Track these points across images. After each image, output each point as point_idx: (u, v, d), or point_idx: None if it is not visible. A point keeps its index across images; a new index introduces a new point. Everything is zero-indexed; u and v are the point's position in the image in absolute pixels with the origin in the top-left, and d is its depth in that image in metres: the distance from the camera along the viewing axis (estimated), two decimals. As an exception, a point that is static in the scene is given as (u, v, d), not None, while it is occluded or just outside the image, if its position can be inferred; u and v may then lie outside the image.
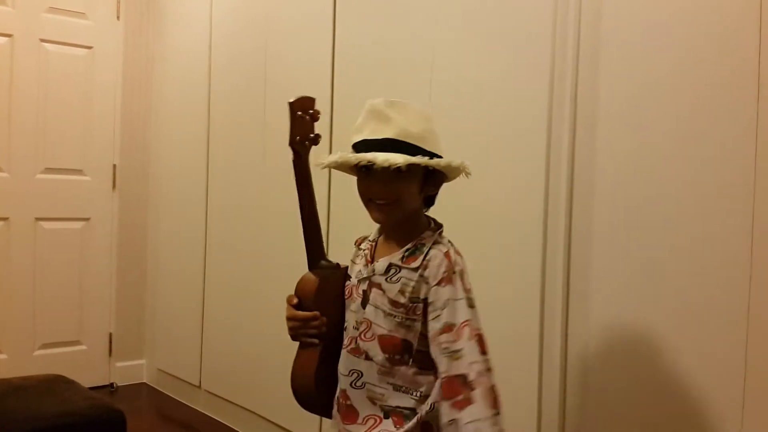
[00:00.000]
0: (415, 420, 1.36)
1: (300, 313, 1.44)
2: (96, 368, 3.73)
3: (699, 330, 1.60)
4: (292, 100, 1.45)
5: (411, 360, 1.37)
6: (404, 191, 1.37)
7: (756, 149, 1.51)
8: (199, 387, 3.46)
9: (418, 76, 2.27)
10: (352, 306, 1.45)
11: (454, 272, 1.34)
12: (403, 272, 1.37)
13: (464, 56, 2.15)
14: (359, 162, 1.33)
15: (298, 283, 1.48)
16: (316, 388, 1.45)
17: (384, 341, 1.38)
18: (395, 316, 1.37)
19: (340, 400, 1.45)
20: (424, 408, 1.36)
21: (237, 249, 3.20)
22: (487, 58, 2.08)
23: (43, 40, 3.53)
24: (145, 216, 3.91)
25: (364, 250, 1.49)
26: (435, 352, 1.32)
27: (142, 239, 3.91)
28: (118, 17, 3.76)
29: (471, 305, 1.34)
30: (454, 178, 1.43)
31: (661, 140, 1.68)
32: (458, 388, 1.27)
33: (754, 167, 1.51)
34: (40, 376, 2.45)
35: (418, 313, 1.36)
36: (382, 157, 1.30)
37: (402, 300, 1.36)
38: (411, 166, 1.32)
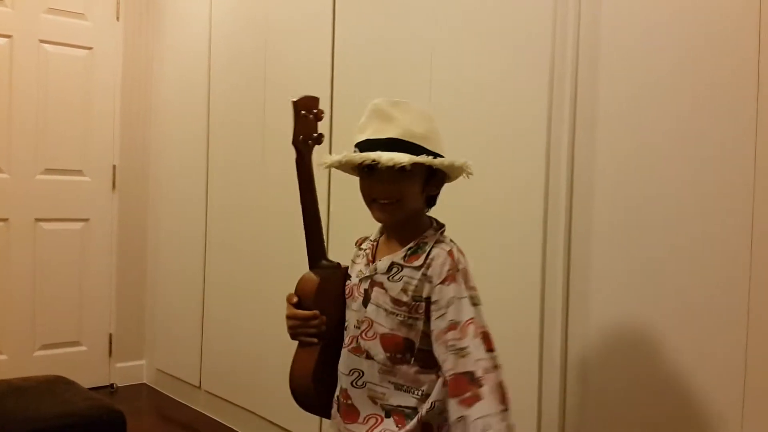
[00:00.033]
0: (415, 420, 1.36)
1: (300, 312, 1.44)
2: (96, 369, 3.73)
3: (699, 329, 1.60)
4: (295, 99, 1.45)
5: (413, 359, 1.37)
6: (407, 191, 1.37)
7: (755, 149, 1.51)
8: (199, 387, 3.46)
9: (418, 76, 2.27)
10: (354, 305, 1.45)
11: (458, 270, 1.35)
12: (406, 271, 1.38)
13: (464, 56, 2.15)
14: (364, 161, 1.33)
15: (299, 282, 1.47)
16: (314, 388, 1.44)
17: (386, 340, 1.38)
18: (397, 315, 1.37)
19: (341, 400, 1.45)
20: (425, 407, 1.36)
21: (237, 249, 3.20)
22: (486, 59, 2.08)
23: (42, 41, 3.53)
24: (144, 216, 3.91)
25: (365, 249, 1.49)
26: (440, 350, 1.32)
27: (141, 240, 3.91)
28: (117, 18, 3.76)
29: (475, 303, 1.34)
30: (455, 178, 1.44)
31: (660, 140, 1.68)
32: (465, 385, 1.27)
33: (753, 167, 1.51)
34: (40, 376, 2.45)
35: (421, 311, 1.36)
36: (386, 157, 1.31)
37: (404, 298, 1.36)
38: (414, 166, 1.33)
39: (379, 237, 1.49)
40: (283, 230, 2.86)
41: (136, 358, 3.90)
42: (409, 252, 1.39)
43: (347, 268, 1.53)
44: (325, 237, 1.55)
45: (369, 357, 1.40)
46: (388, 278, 1.39)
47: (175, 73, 3.69)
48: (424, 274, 1.36)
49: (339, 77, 2.62)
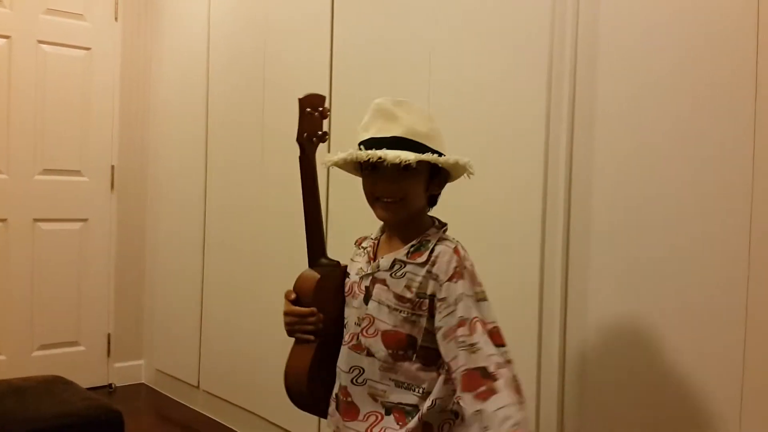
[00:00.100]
0: (417, 418, 1.36)
1: (297, 308, 1.44)
2: (94, 369, 3.73)
3: (697, 328, 1.60)
4: (301, 97, 1.45)
5: (414, 356, 1.38)
6: (411, 189, 1.38)
7: (754, 149, 1.51)
8: (198, 387, 3.46)
9: (417, 76, 2.27)
10: (354, 302, 1.45)
11: (464, 268, 1.35)
12: (409, 267, 1.38)
13: (463, 56, 2.15)
14: (370, 158, 1.33)
15: (298, 280, 1.47)
16: (307, 385, 1.44)
17: (388, 337, 1.38)
18: (401, 311, 1.37)
19: (340, 397, 1.45)
20: (426, 404, 1.36)
21: (235, 249, 3.20)
22: (485, 59, 2.08)
23: (41, 42, 3.53)
24: (143, 217, 3.91)
25: (366, 248, 1.49)
26: (449, 346, 1.32)
27: (140, 240, 3.91)
28: (116, 18, 3.77)
29: (483, 299, 1.35)
30: (457, 177, 1.44)
31: (659, 140, 1.69)
32: (479, 380, 1.27)
33: (752, 167, 1.51)
34: (39, 377, 2.45)
35: (424, 308, 1.36)
36: (392, 154, 1.31)
37: (408, 295, 1.36)
38: (418, 164, 1.33)
39: (380, 235, 1.49)
40: (282, 230, 2.86)
41: (135, 358, 3.90)
42: (412, 249, 1.39)
43: (347, 266, 1.53)
44: (324, 236, 1.55)
45: (370, 354, 1.40)
46: (390, 275, 1.39)
47: (173, 73, 3.69)
48: (428, 271, 1.36)
49: (338, 77, 2.63)
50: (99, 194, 3.75)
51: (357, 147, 1.39)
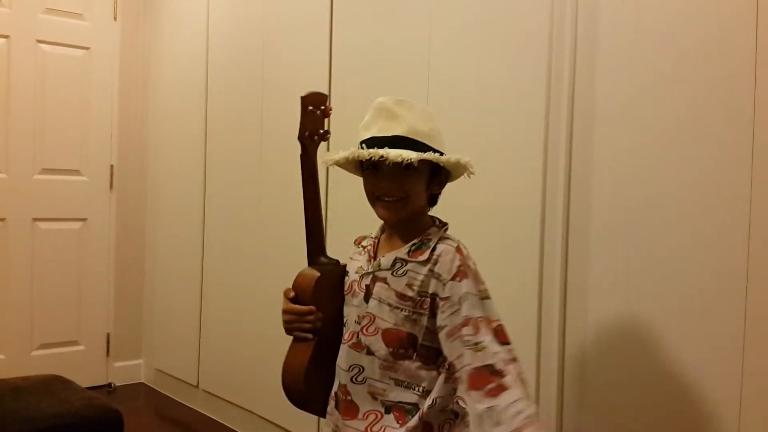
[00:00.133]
0: (417, 416, 1.36)
1: (296, 306, 1.44)
2: (94, 368, 3.73)
3: (696, 328, 1.60)
4: (304, 95, 1.45)
5: (415, 354, 1.37)
6: (412, 188, 1.38)
7: (753, 148, 1.51)
8: (197, 387, 3.46)
9: (416, 76, 2.27)
10: (354, 301, 1.45)
11: (468, 267, 1.36)
12: (410, 266, 1.38)
13: (462, 56, 2.15)
14: (372, 157, 1.33)
15: (297, 278, 1.47)
16: (305, 383, 1.43)
17: (389, 335, 1.38)
18: (402, 310, 1.37)
19: (340, 396, 1.45)
20: (427, 403, 1.36)
21: (235, 249, 3.20)
22: (484, 58, 2.08)
23: (39, 41, 3.53)
24: (142, 216, 3.91)
25: (366, 246, 1.49)
26: (454, 345, 1.32)
27: (139, 239, 3.91)
28: (115, 18, 3.76)
29: (487, 297, 1.35)
30: (458, 177, 1.44)
31: (658, 139, 1.69)
32: (487, 377, 1.27)
33: (751, 166, 1.52)
34: (38, 376, 2.45)
35: (425, 307, 1.36)
36: (394, 153, 1.31)
37: (410, 293, 1.36)
38: (420, 164, 1.33)
39: (381, 234, 1.49)
40: (281, 229, 2.86)
41: (134, 358, 3.90)
42: (413, 248, 1.39)
43: (346, 265, 1.52)
44: (324, 235, 1.55)
45: (370, 353, 1.40)
46: (392, 273, 1.39)
47: (172, 72, 3.69)
48: (431, 270, 1.36)
49: (337, 77, 2.62)
50: (98, 194, 3.75)
51: (358, 146, 1.39)
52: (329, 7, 2.65)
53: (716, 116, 1.58)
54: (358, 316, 1.43)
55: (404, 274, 1.38)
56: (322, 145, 1.50)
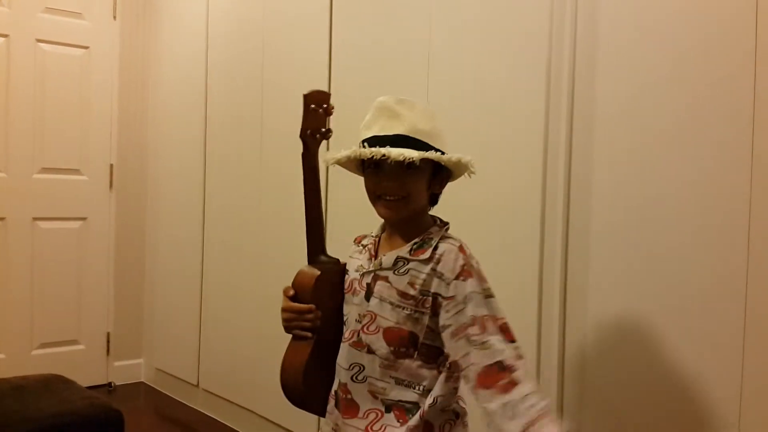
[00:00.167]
0: (418, 415, 1.36)
1: (295, 305, 1.44)
2: (94, 368, 3.73)
3: (696, 327, 1.61)
4: (306, 92, 1.44)
5: (416, 353, 1.37)
6: (414, 187, 1.38)
7: (753, 147, 1.52)
8: (197, 386, 3.46)
9: (416, 76, 2.27)
10: (355, 299, 1.44)
11: (472, 266, 1.36)
12: (412, 264, 1.38)
13: (461, 56, 2.15)
14: (374, 156, 1.33)
15: (297, 276, 1.47)
16: (304, 382, 1.43)
17: (390, 334, 1.38)
18: (404, 308, 1.37)
19: (340, 394, 1.44)
20: (427, 402, 1.36)
21: (235, 248, 3.20)
22: (484, 58, 2.08)
23: (39, 41, 3.53)
24: (142, 215, 3.91)
25: (366, 245, 1.49)
26: (459, 344, 1.31)
27: (139, 239, 3.91)
28: (114, 17, 3.76)
29: (491, 295, 1.35)
30: (459, 176, 1.44)
31: (658, 139, 1.69)
32: (498, 374, 1.26)
33: (750, 165, 1.52)
34: (38, 375, 2.45)
35: (427, 306, 1.36)
36: (396, 152, 1.31)
37: (412, 292, 1.36)
38: (421, 163, 1.33)
39: (381, 233, 1.49)
40: (281, 229, 2.86)
41: (134, 357, 3.90)
42: (414, 246, 1.39)
43: (346, 264, 1.52)
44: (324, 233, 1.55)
45: (370, 351, 1.39)
46: (393, 272, 1.39)
47: (172, 72, 3.69)
48: (433, 269, 1.36)
49: (336, 77, 2.63)
50: (98, 193, 3.75)
51: (360, 145, 1.39)
52: (329, 7, 2.65)
53: (716, 116, 1.58)
54: (359, 315, 1.43)
55: (406, 272, 1.38)
56: (322, 144, 1.50)
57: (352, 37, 2.57)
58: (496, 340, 1.29)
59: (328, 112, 1.46)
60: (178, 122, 3.62)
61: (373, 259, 1.44)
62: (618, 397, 1.76)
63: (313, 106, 1.44)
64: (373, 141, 1.36)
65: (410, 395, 1.38)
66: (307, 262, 1.49)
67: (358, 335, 1.42)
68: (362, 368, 1.41)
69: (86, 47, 3.67)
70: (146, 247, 3.91)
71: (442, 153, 1.37)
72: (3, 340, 3.46)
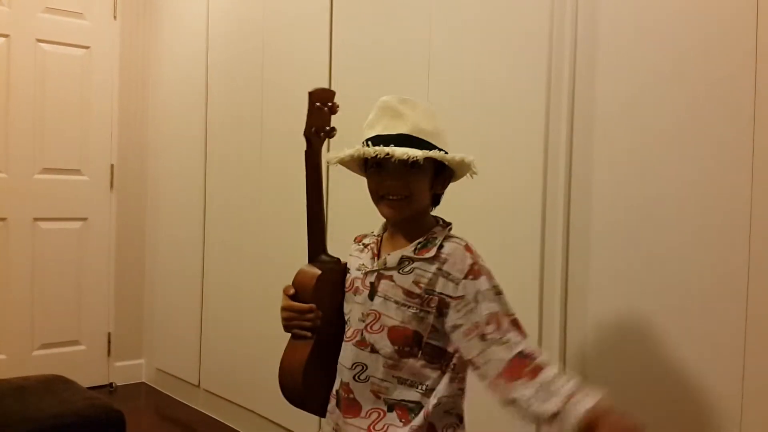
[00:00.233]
0: (422, 416, 1.36)
1: (296, 304, 1.43)
2: (95, 368, 3.74)
3: (697, 327, 1.61)
4: (311, 90, 1.43)
5: (420, 352, 1.37)
6: (416, 187, 1.37)
7: (753, 147, 1.52)
8: (198, 386, 3.46)
9: (416, 76, 2.27)
10: (357, 298, 1.44)
11: (480, 264, 1.36)
12: (417, 263, 1.38)
13: (462, 56, 2.15)
14: (378, 154, 1.33)
15: (297, 275, 1.46)
16: (302, 382, 1.42)
17: (395, 333, 1.38)
18: (409, 307, 1.36)
19: (341, 394, 1.44)
20: (432, 402, 1.36)
21: (235, 248, 3.20)
22: (484, 58, 2.08)
23: (39, 41, 3.53)
24: (143, 216, 3.91)
25: (368, 244, 1.49)
26: (472, 343, 1.31)
27: (140, 239, 3.91)
28: (115, 17, 3.76)
29: (501, 292, 1.35)
30: (461, 176, 1.44)
31: (658, 139, 1.69)
32: (522, 364, 1.26)
33: (751, 165, 1.52)
34: (39, 376, 2.45)
35: (432, 305, 1.35)
36: (400, 151, 1.31)
37: (417, 291, 1.36)
38: (424, 162, 1.33)
39: (383, 233, 1.49)
40: (281, 229, 2.86)
41: (135, 357, 3.91)
42: (418, 246, 1.39)
43: (346, 263, 1.52)
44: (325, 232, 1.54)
45: (374, 351, 1.39)
46: (398, 271, 1.39)
47: (172, 72, 3.69)
48: (439, 269, 1.36)
49: (337, 77, 2.63)
50: (98, 193, 3.75)
51: (363, 144, 1.39)
52: (329, 7, 2.65)
53: (716, 116, 1.58)
54: (362, 314, 1.42)
55: (411, 271, 1.38)
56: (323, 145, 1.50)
57: (353, 37, 2.57)
58: (513, 335, 1.30)
59: (333, 110, 1.46)
60: (179, 122, 3.62)
61: (376, 258, 1.44)
62: (619, 397, 1.75)
63: (318, 104, 1.43)
64: (376, 140, 1.36)
65: (413, 395, 1.38)
66: (307, 261, 1.49)
67: (362, 334, 1.41)
68: (365, 367, 1.40)
69: (86, 47, 3.68)
70: (147, 247, 3.91)
71: (445, 153, 1.37)
72: (4, 340, 3.46)
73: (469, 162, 1.38)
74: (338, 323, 1.48)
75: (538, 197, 1.92)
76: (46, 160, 3.57)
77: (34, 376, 2.46)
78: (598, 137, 1.81)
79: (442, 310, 1.35)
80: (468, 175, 1.42)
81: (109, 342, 3.80)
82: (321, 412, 1.50)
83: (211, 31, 3.36)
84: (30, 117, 3.50)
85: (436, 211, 1.49)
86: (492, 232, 2.03)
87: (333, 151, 1.44)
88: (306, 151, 1.46)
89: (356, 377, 1.41)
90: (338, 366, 1.46)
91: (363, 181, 1.46)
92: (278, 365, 1.47)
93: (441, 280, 1.35)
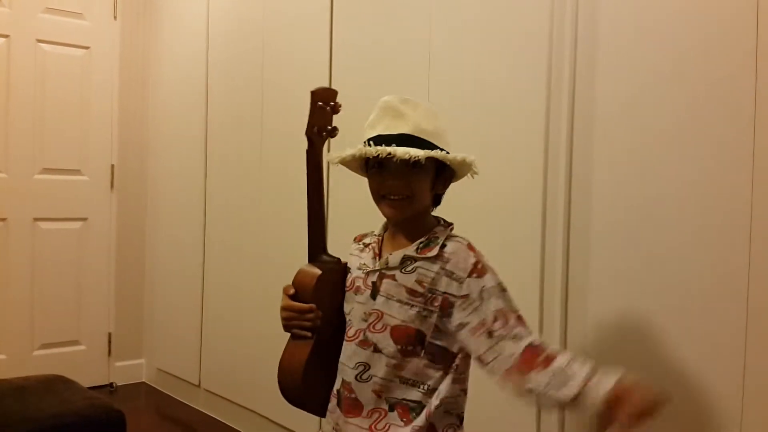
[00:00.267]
0: (424, 415, 1.36)
1: (296, 304, 1.43)
2: (95, 368, 3.74)
3: (698, 327, 1.61)
4: (314, 89, 1.43)
5: (423, 351, 1.37)
6: (418, 187, 1.38)
7: (754, 147, 1.52)
8: (199, 386, 3.46)
9: (416, 76, 2.27)
10: (359, 298, 1.43)
11: (484, 262, 1.36)
12: (419, 263, 1.38)
13: (462, 56, 2.15)
14: (379, 154, 1.33)
15: (297, 274, 1.46)
16: (302, 382, 1.42)
17: (398, 332, 1.38)
18: (413, 306, 1.37)
19: (343, 393, 1.44)
20: (434, 402, 1.36)
21: (236, 248, 3.20)
22: (484, 58, 2.08)
23: (39, 41, 3.53)
24: (143, 216, 3.91)
25: (369, 244, 1.49)
26: (479, 341, 1.31)
27: (140, 239, 3.91)
28: (115, 17, 3.77)
29: (505, 289, 1.36)
30: (462, 176, 1.44)
31: (658, 139, 1.69)
32: (534, 355, 1.27)
33: (752, 165, 1.52)
34: (40, 376, 2.45)
35: (436, 305, 1.36)
36: (402, 150, 1.31)
37: (420, 289, 1.36)
38: (425, 162, 1.33)
39: (384, 233, 1.49)
40: (281, 229, 2.86)
41: (136, 357, 3.91)
42: (420, 245, 1.39)
43: (347, 263, 1.52)
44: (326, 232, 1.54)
45: (377, 350, 1.39)
46: (401, 271, 1.39)
47: (172, 72, 3.69)
48: (442, 268, 1.36)
49: (337, 77, 2.63)
50: (99, 193, 3.75)
51: (364, 144, 1.39)
52: (329, 7, 2.65)
53: (716, 116, 1.58)
54: (365, 313, 1.42)
55: (413, 270, 1.38)
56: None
57: (353, 37, 2.57)
58: (519, 330, 1.31)
59: (335, 109, 1.46)
60: (179, 122, 3.62)
61: (377, 258, 1.44)
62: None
63: (320, 103, 1.43)
64: (378, 140, 1.36)
65: (414, 394, 1.38)
66: (307, 261, 1.49)
67: (365, 334, 1.41)
68: (367, 367, 1.40)
69: (87, 47, 3.68)
70: (147, 247, 3.91)
71: (447, 153, 1.37)
72: (4, 340, 3.46)
73: (470, 162, 1.38)
74: (338, 323, 1.48)
75: (539, 197, 1.92)
76: (46, 160, 3.57)
77: (35, 376, 2.46)
78: (598, 137, 1.81)
79: (445, 309, 1.35)
80: (469, 175, 1.42)
81: (109, 342, 3.80)
82: (321, 411, 1.49)
83: (211, 30, 3.36)
84: (30, 117, 3.50)
85: (436, 212, 1.49)
86: (492, 232, 2.03)
87: (334, 151, 1.44)
88: (307, 151, 1.46)
89: (358, 377, 1.41)
90: (340, 365, 1.46)
91: (363, 181, 1.46)
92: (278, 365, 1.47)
93: (445, 279, 1.35)
